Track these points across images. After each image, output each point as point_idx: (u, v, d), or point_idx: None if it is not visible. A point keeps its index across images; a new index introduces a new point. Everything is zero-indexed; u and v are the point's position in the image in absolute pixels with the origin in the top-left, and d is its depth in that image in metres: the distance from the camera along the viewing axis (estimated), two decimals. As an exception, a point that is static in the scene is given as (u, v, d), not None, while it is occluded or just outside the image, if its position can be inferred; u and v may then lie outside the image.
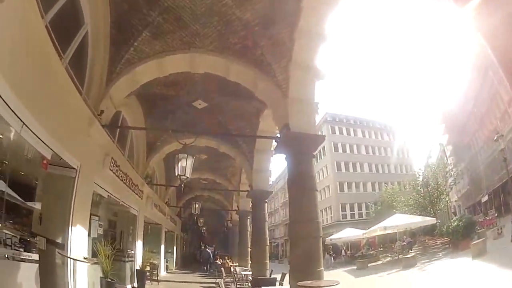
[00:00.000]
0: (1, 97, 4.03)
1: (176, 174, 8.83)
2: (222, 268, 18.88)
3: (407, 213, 32.41)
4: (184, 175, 8.72)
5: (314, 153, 8.72)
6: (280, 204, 76.17)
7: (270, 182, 17.97)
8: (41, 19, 5.01)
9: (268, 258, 15.02)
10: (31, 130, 5.01)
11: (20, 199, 5.76)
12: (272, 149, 14.59)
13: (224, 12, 8.15)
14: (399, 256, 27.48)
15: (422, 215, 32.09)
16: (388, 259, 30.56)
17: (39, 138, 5.31)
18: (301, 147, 8.35)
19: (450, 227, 24.76)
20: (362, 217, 54.56)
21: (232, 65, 9.26)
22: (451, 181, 38.23)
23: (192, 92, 11.73)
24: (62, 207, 6.74)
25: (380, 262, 30.06)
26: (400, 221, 27.24)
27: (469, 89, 30.87)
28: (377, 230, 28.59)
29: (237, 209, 22.59)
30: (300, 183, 8.16)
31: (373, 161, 63.07)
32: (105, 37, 8.23)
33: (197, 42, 8.86)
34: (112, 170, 9.26)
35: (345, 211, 56.36)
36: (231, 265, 21.30)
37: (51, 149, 5.79)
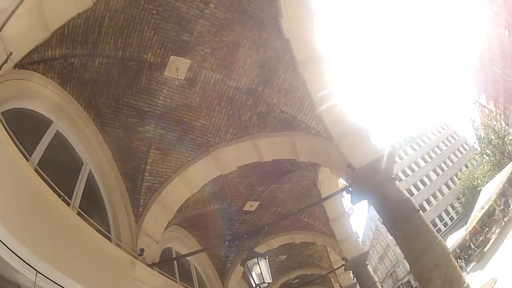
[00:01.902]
0: (15, 253, 3.59)
1: (254, 286, 7.06)
2: None
3: (489, 181, 31.90)
4: (264, 282, 6.93)
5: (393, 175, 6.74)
6: (376, 260, 70.96)
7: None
8: (28, 164, 4.45)
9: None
10: (53, 281, 4.12)
11: None
12: (347, 210, 12.81)
13: (220, 91, 7.03)
14: (505, 220, 27.59)
15: (502, 170, 30.51)
16: (497, 231, 28.76)
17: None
18: (376, 177, 6.46)
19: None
20: (453, 219, 53.59)
21: (260, 143, 7.78)
22: (503, 120, 37.11)
23: (236, 196, 10.20)
24: None
25: (492, 240, 28.11)
26: (489, 191, 26.80)
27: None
28: (476, 215, 27.45)
29: (340, 288, 20.02)
30: (398, 214, 6.25)
31: (435, 165, 62.30)
32: (113, 171, 7.31)
33: (211, 139, 7.63)
34: (182, 310, 7.82)
35: (437, 225, 53.50)
36: None
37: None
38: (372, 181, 6.51)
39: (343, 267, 14.16)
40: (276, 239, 13.34)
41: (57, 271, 4.18)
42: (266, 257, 7.16)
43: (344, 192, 7.64)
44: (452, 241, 32.46)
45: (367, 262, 13.55)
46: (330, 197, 8.93)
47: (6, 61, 3.93)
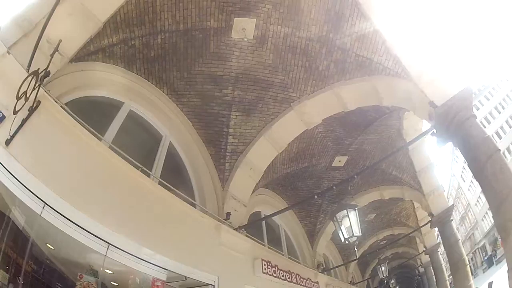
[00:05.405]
0: (93, 234, 3.88)
1: (343, 240, 6.75)
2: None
3: None
4: (353, 235, 6.60)
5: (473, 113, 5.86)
6: (458, 222, 66.41)
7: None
8: (100, 142, 4.60)
9: (472, 279, 11.10)
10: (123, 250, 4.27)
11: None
12: (432, 161, 11.91)
13: (292, 44, 6.62)
14: None
15: None
16: None
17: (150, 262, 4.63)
18: (459, 114, 5.76)
19: None
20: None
21: (341, 92, 7.21)
22: None
23: (324, 152, 9.64)
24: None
25: None
26: None
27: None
28: None
29: (424, 249, 18.56)
30: (481, 152, 5.53)
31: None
32: (194, 139, 7.37)
33: (292, 93, 7.24)
34: (267, 273, 7.86)
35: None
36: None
37: (166, 269, 4.90)
38: (455, 119, 5.82)
39: (429, 223, 13.31)
40: (366, 196, 12.85)
41: (132, 241, 4.36)
42: (356, 208, 6.83)
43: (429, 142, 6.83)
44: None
45: (451, 218, 12.74)
46: (415, 141, 8.14)
47: (56, 49, 3.82)
